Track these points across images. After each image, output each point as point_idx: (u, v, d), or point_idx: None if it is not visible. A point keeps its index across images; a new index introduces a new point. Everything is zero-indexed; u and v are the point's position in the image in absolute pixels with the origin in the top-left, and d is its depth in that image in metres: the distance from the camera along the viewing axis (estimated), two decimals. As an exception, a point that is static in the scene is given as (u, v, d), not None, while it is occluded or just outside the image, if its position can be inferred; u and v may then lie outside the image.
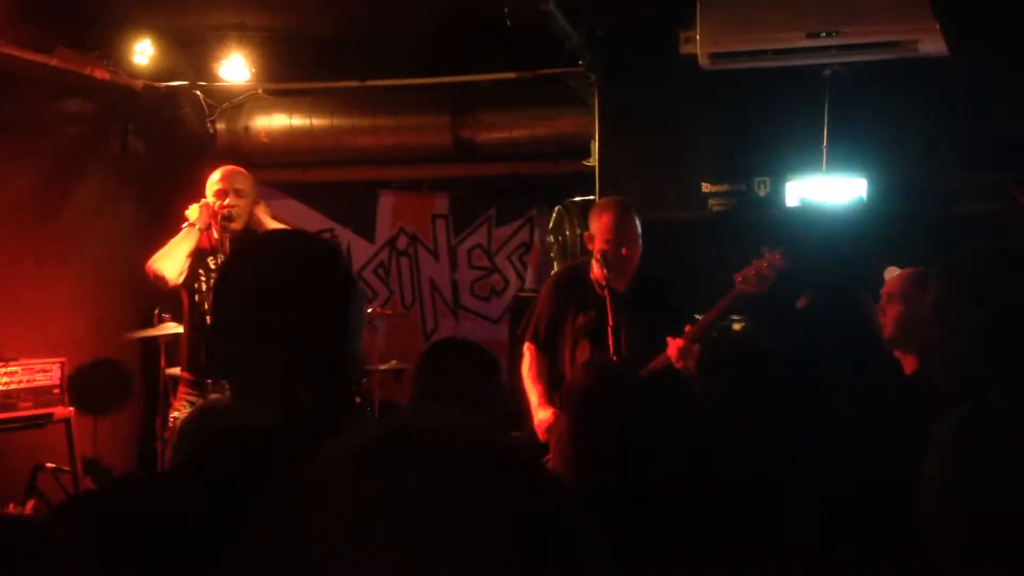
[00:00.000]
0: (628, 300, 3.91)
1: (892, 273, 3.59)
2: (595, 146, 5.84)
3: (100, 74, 5.86)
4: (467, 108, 6.40)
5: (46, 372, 4.93)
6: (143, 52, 5.94)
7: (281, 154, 6.71)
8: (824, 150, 5.22)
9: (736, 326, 4.15)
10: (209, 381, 4.44)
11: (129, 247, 5.92)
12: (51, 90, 5.69)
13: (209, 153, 6.45)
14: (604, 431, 2.25)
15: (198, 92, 6.58)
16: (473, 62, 6.23)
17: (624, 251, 3.89)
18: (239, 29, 6.08)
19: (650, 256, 4.01)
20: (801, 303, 2.89)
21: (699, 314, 3.82)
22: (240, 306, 1.48)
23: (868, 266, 4.24)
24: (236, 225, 4.50)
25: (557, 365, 4.08)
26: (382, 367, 6.05)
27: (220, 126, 6.72)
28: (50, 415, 4.91)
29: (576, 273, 4.09)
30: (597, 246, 3.92)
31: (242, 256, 1.60)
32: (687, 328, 3.74)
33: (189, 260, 4.48)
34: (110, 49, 5.87)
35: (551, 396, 3.98)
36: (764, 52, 4.82)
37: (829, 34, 4.62)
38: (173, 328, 5.26)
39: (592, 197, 5.85)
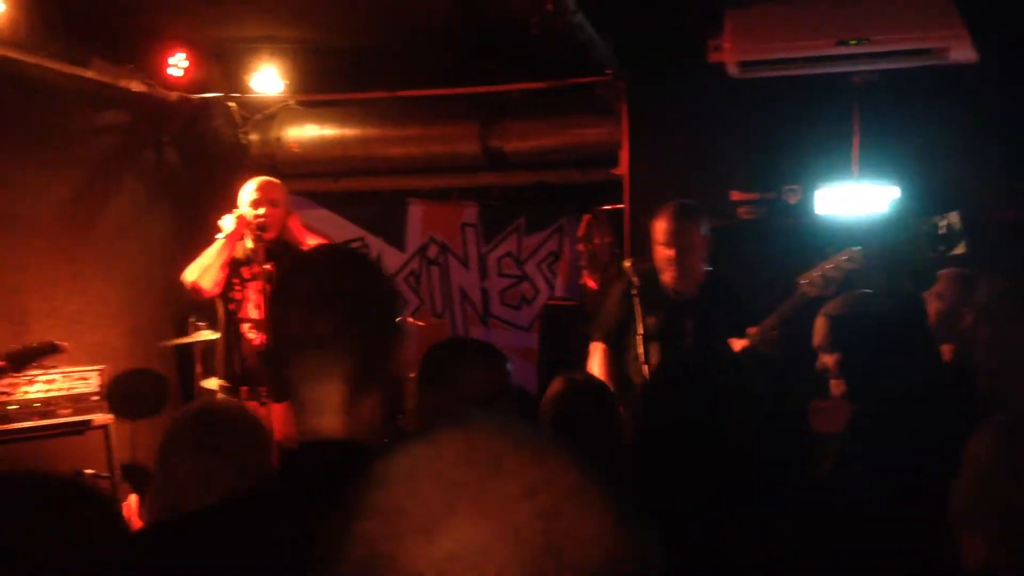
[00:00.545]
0: (696, 303, 3.99)
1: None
2: (623, 155, 5.86)
3: (136, 86, 5.96)
4: (496, 117, 6.44)
5: (85, 380, 5.01)
6: (178, 64, 6.03)
7: (312, 164, 6.78)
8: (855, 157, 5.21)
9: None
10: (244, 388, 4.50)
11: (164, 256, 6.01)
12: (87, 102, 5.78)
13: (242, 163, 6.54)
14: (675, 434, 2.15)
15: (231, 103, 6.67)
16: (501, 71, 6.27)
17: (672, 254, 3.97)
18: (271, 41, 6.16)
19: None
20: (831, 308, 2.88)
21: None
22: (303, 322, 1.49)
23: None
24: (270, 235, 4.56)
25: (625, 366, 4.14)
26: (411, 375, 6.07)
27: (253, 137, 6.80)
28: (89, 422, 4.98)
29: (648, 276, 4.16)
30: (654, 249, 4.04)
31: (298, 272, 1.61)
32: (751, 330, 3.80)
33: (225, 270, 4.55)
34: (145, 61, 5.96)
35: (619, 396, 4.07)
36: (793, 60, 4.82)
37: (859, 42, 4.61)
38: (207, 335, 5.33)
39: (621, 205, 5.87)
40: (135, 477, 4.94)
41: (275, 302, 1.57)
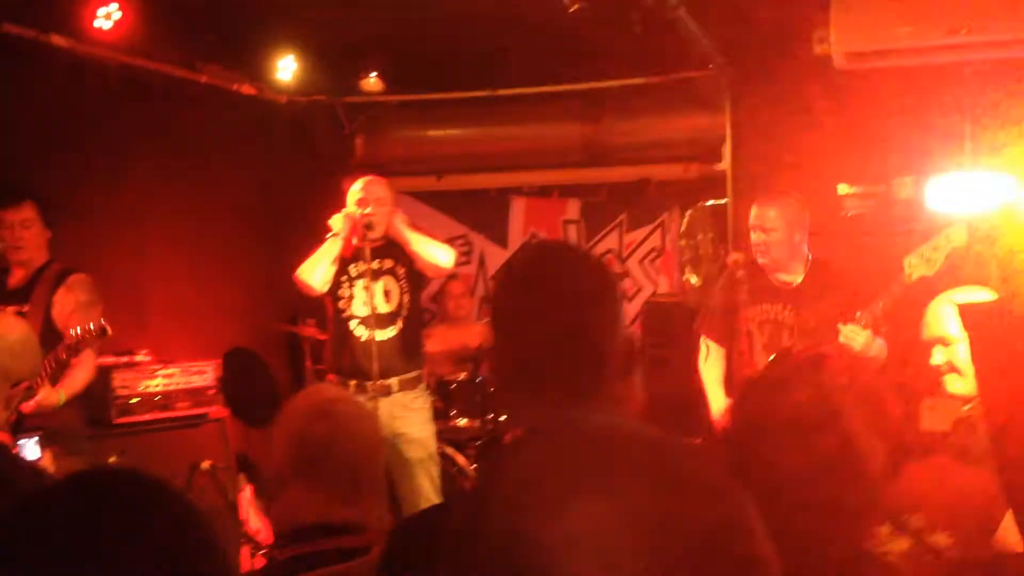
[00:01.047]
0: (801, 291, 3.99)
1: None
2: (727, 149, 5.80)
3: (247, 90, 6.16)
4: (597, 114, 6.45)
5: (202, 373, 5.18)
6: (286, 68, 6.19)
7: (416, 163, 6.90)
8: (967, 148, 5.06)
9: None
10: (353, 382, 4.61)
11: (274, 254, 6.19)
12: (201, 105, 5.99)
13: (348, 163, 6.69)
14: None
15: (337, 105, 6.82)
16: (602, 67, 6.26)
17: (753, 239, 4.00)
18: (375, 43, 6.28)
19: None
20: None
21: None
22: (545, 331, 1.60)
23: None
24: (376, 233, 4.66)
25: (733, 357, 4.16)
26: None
27: (358, 137, 6.95)
28: (205, 415, 5.16)
29: (753, 268, 4.19)
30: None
31: (527, 283, 1.71)
32: (857, 312, 3.78)
33: (334, 268, 4.66)
34: (254, 66, 6.15)
35: (728, 388, 4.13)
36: (902, 50, 4.71)
37: (970, 31, 4.49)
38: (315, 332, 5.49)
39: (724, 200, 5.81)
40: (249, 469, 5.11)
41: (504, 323, 1.70)
